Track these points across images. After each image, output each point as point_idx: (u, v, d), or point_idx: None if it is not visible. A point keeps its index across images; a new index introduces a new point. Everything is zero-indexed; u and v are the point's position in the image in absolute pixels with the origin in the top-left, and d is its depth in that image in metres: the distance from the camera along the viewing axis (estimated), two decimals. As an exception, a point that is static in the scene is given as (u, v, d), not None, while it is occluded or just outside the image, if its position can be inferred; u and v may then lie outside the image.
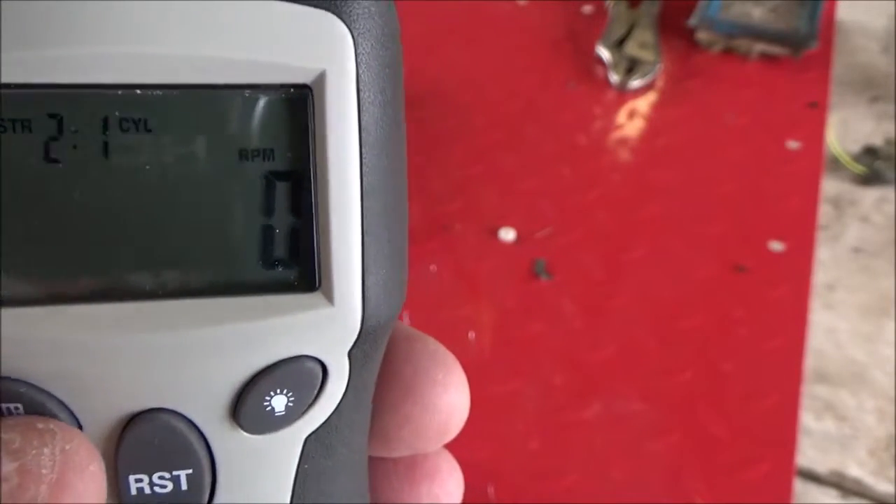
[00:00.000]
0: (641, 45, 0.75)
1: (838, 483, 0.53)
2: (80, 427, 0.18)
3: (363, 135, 0.18)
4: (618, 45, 0.75)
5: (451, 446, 0.23)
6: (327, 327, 0.18)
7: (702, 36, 0.76)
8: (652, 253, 0.61)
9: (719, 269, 0.60)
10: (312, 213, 0.18)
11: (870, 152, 0.71)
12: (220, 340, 0.17)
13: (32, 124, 0.16)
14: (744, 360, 0.55)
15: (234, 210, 0.18)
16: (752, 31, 0.75)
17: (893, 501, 0.52)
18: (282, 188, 0.18)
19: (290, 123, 0.18)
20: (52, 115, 0.16)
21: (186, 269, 0.18)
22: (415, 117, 0.70)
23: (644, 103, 0.73)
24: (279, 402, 0.18)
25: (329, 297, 0.18)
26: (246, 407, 0.18)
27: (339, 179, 0.18)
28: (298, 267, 0.18)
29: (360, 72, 0.17)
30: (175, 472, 0.18)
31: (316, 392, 0.19)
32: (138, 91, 0.17)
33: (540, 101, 0.72)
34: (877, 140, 0.72)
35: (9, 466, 0.16)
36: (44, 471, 0.16)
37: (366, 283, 0.18)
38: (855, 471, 0.53)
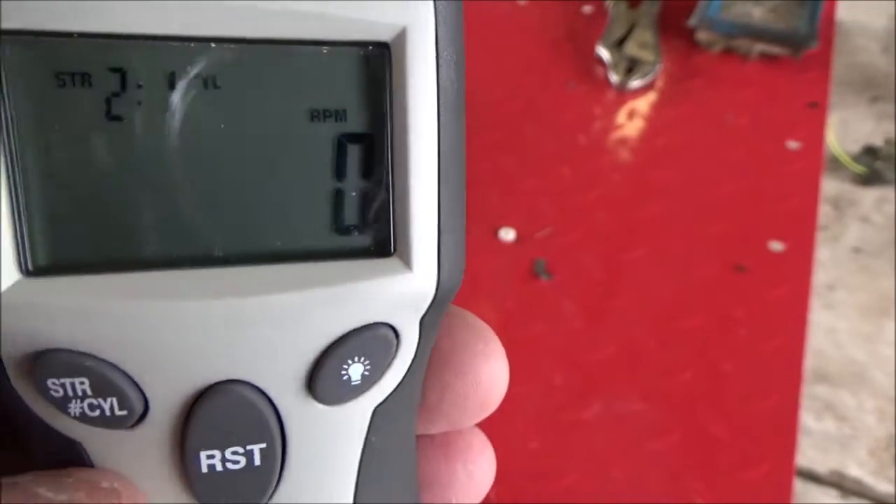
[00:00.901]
0: (641, 45, 0.75)
1: (838, 483, 0.53)
2: (147, 403, 0.17)
3: (440, 95, 0.17)
4: (618, 45, 0.75)
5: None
6: (405, 293, 0.17)
7: (702, 36, 0.76)
8: (652, 253, 0.61)
9: (719, 269, 0.60)
10: (388, 177, 0.17)
11: (870, 152, 0.71)
12: (298, 307, 0.16)
13: (93, 78, 0.15)
14: (744, 360, 0.55)
15: (306, 173, 0.17)
16: (752, 31, 0.75)
17: (893, 501, 0.52)
18: (354, 150, 0.17)
19: (366, 83, 0.17)
20: (114, 69, 0.15)
21: (258, 234, 0.17)
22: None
23: (644, 103, 0.73)
24: (356, 371, 0.18)
25: (407, 263, 0.17)
26: (323, 376, 0.17)
27: (419, 142, 0.17)
28: (373, 232, 0.17)
29: (439, 30, 0.17)
30: (249, 447, 0.17)
31: (390, 360, 0.18)
32: (211, 45, 0.15)
33: (540, 101, 0.72)
34: (877, 140, 0.72)
35: None
36: None
37: (440, 248, 0.18)
38: (855, 471, 0.53)
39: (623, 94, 0.73)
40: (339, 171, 0.17)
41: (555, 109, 0.72)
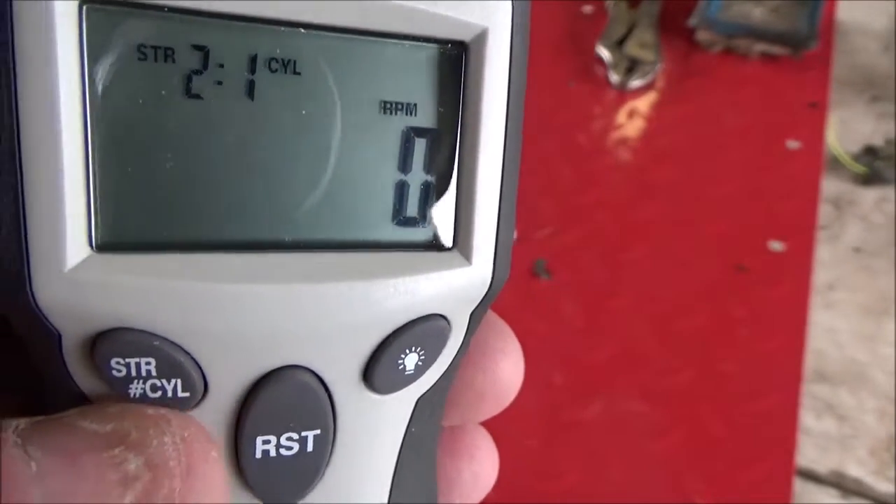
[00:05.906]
0: (641, 45, 0.75)
1: (838, 483, 0.53)
2: (206, 386, 0.16)
3: (510, 97, 0.17)
4: (618, 45, 0.75)
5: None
6: (463, 286, 0.18)
7: (702, 36, 0.76)
8: (652, 253, 0.61)
9: (719, 269, 0.60)
10: (452, 172, 0.18)
11: (870, 152, 0.71)
12: (365, 296, 0.17)
13: (176, 54, 0.15)
14: (744, 360, 0.55)
15: (373, 164, 0.17)
16: (752, 32, 0.75)
17: (893, 501, 0.52)
18: (420, 144, 0.17)
19: (439, 80, 0.17)
20: (197, 47, 0.15)
21: (325, 222, 0.17)
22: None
23: (644, 103, 0.73)
24: (411, 361, 0.18)
25: (467, 257, 0.18)
26: (381, 365, 0.18)
27: (488, 141, 0.17)
28: (434, 225, 0.18)
29: (514, 32, 0.17)
30: (304, 433, 0.17)
31: (441, 351, 0.19)
32: (300, 30, 0.16)
33: (540, 101, 0.72)
34: (877, 140, 0.72)
35: (135, 462, 0.14)
36: (171, 463, 0.14)
37: (497, 244, 0.19)
38: (855, 471, 0.53)
39: (623, 93, 0.73)
40: (405, 164, 0.17)
41: (555, 109, 0.72)
